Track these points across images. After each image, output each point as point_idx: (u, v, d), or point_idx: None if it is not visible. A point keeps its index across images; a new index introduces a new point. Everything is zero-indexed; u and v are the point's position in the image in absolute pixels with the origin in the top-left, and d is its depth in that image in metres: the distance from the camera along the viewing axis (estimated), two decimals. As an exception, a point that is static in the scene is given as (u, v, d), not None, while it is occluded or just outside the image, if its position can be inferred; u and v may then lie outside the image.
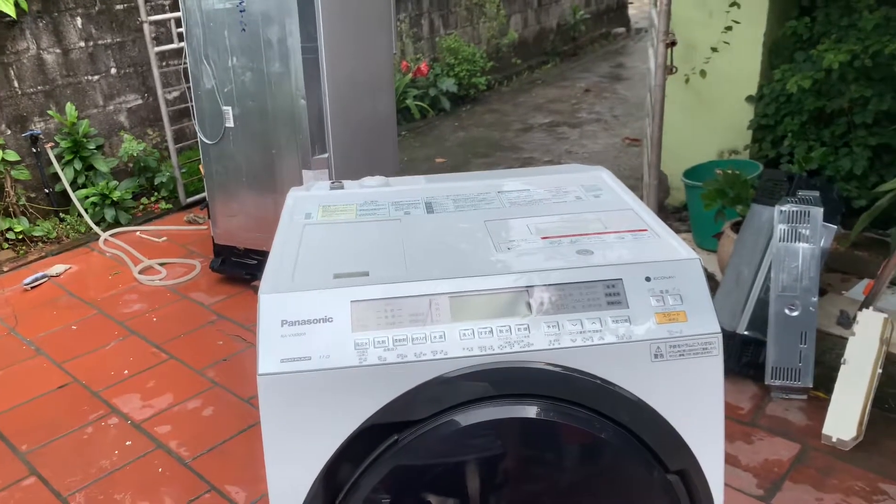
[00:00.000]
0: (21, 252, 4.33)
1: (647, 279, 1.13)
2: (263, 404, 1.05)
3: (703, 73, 3.58)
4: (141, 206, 4.90)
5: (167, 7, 4.96)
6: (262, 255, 3.73)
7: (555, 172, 1.63)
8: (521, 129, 6.83)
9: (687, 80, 3.73)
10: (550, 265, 1.16)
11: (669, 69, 2.86)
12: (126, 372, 3.15)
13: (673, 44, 2.68)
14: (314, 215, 1.42)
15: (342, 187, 1.59)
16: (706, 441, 1.14)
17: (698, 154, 3.88)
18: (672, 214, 4.24)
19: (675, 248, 1.20)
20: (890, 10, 3.19)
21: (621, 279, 1.13)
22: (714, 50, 3.54)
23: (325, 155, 3.44)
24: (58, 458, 2.63)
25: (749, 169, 3.49)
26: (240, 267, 3.80)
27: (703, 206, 3.11)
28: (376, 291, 1.11)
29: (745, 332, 2.83)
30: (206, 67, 3.47)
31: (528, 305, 1.11)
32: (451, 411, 1.06)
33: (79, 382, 3.09)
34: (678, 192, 4.19)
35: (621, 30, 12.17)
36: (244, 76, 3.41)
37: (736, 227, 3.09)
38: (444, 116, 7.31)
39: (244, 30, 3.32)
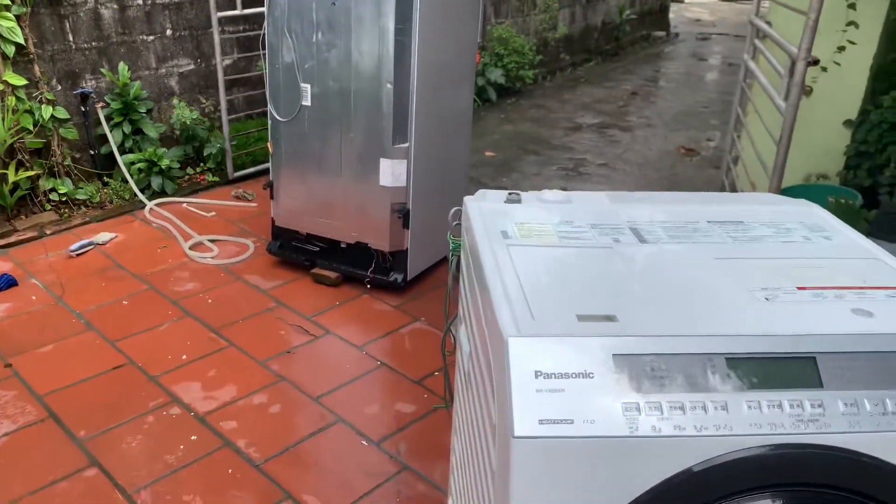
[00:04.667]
0: (64, 215, 4.14)
1: (953, 355, 0.96)
2: (517, 472, 0.88)
3: (809, 92, 3.40)
4: (186, 176, 4.71)
5: (230, -29, 4.73)
6: (325, 242, 3.55)
7: (756, 202, 1.46)
8: (569, 127, 6.64)
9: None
10: (835, 327, 0.99)
11: (804, 90, 2.67)
12: (184, 357, 2.97)
13: (815, 62, 2.50)
14: (512, 234, 1.24)
15: (520, 199, 1.42)
16: None
17: (785, 176, 3.70)
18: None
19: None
20: None
21: (922, 353, 0.96)
22: (824, 69, 3.36)
23: (406, 145, 3.26)
24: (119, 449, 2.46)
25: (847, 196, 3.32)
26: (300, 252, 3.62)
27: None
28: (639, 345, 0.93)
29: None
30: (287, 40, 3.26)
31: (819, 376, 0.94)
32: (739, 498, 0.89)
33: (134, 364, 2.91)
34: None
35: (661, 33, 11.97)
36: (328, 53, 3.21)
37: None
38: (489, 107, 7.11)
39: (334, 3, 3.12)
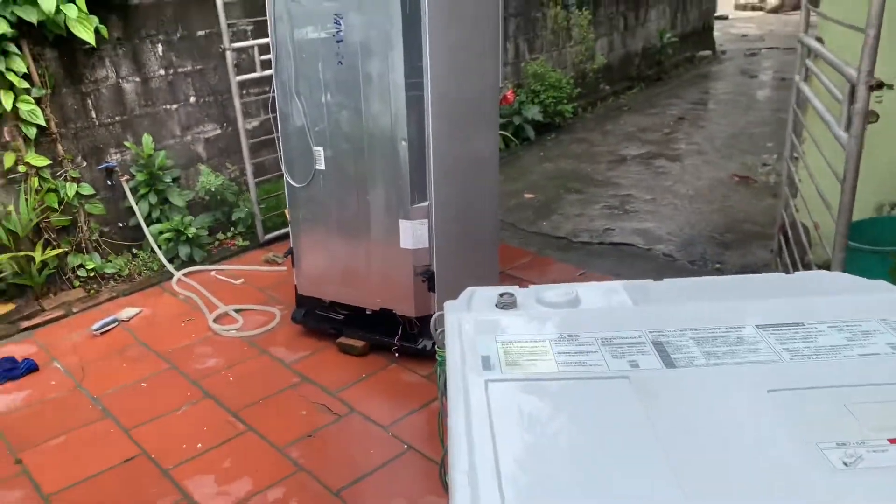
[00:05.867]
0: (92, 292, 4.07)
1: None
2: None
3: (875, 116, 3.02)
4: (216, 242, 4.60)
5: (250, 34, 4.67)
6: (349, 309, 3.35)
7: (819, 291, 1.15)
8: (613, 160, 6.33)
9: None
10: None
11: (868, 117, 2.34)
12: (199, 445, 2.79)
13: (879, 86, 2.18)
14: (495, 361, 0.98)
15: (514, 303, 1.16)
16: None
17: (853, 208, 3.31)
18: (813, 273, 3.66)
19: None
20: None
21: None
22: (889, 87, 2.98)
23: (426, 203, 3.03)
24: (122, 561, 2.27)
25: (928, 231, 2.92)
26: (325, 321, 3.42)
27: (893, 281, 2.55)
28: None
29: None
30: (296, 104, 3.11)
31: None
32: None
33: (147, 455, 2.74)
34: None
35: (707, 52, 11.56)
36: (339, 114, 3.03)
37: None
38: (527, 146, 6.87)
39: (341, 63, 2.96)
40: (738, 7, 16.58)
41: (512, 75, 7.12)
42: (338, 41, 2.95)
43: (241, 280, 4.15)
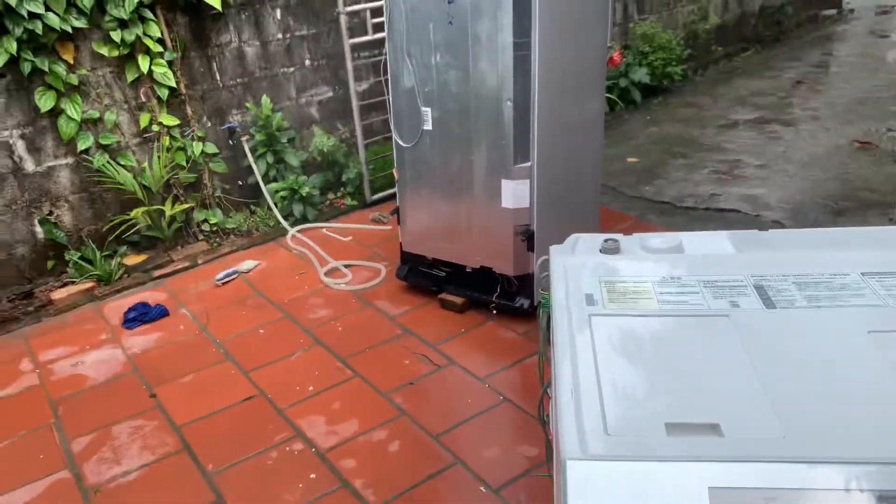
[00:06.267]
0: (214, 245, 4.39)
1: None
2: None
3: None
4: (327, 201, 4.83)
5: (362, -3, 4.80)
6: (450, 267, 3.46)
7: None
8: (723, 125, 6.09)
9: None
10: None
11: None
12: (311, 388, 3.00)
13: None
14: (599, 298, 1.04)
15: (618, 248, 1.20)
16: None
17: None
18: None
19: None
20: None
21: None
22: None
23: (529, 163, 3.08)
24: (242, 485, 2.51)
25: None
26: (426, 278, 3.56)
27: None
28: (748, 474, 0.71)
29: None
30: (406, 65, 3.21)
31: None
32: None
33: (264, 395, 2.98)
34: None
35: (832, 12, 10.77)
36: (447, 75, 3.11)
37: None
38: (633, 110, 6.71)
39: (451, 23, 3.02)
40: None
41: (619, 36, 6.94)
42: (449, 2, 3.01)
43: (350, 237, 4.36)
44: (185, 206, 4.33)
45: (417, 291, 3.64)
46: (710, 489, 0.70)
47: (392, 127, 3.42)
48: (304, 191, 4.52)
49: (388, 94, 3.40)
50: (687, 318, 0.97)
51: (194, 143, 4.34)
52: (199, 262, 4.22)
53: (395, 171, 3.51)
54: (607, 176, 5.12)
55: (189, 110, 4.33)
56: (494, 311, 3.36)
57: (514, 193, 3.11)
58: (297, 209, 4.56)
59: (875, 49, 8.39)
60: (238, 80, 4.54)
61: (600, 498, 0.71)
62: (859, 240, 1.16)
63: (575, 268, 1.13)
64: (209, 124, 4.48)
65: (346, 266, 3.99)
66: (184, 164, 4.32)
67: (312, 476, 2.51)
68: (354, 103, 4.56)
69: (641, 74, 6.67)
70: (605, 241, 1.22)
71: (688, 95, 7.07)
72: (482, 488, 2.38)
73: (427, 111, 3.22)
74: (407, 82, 3.24)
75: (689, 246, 1.19)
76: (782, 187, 4.72)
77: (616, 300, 1.03)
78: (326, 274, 3.93)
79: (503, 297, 3.30)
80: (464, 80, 3.07)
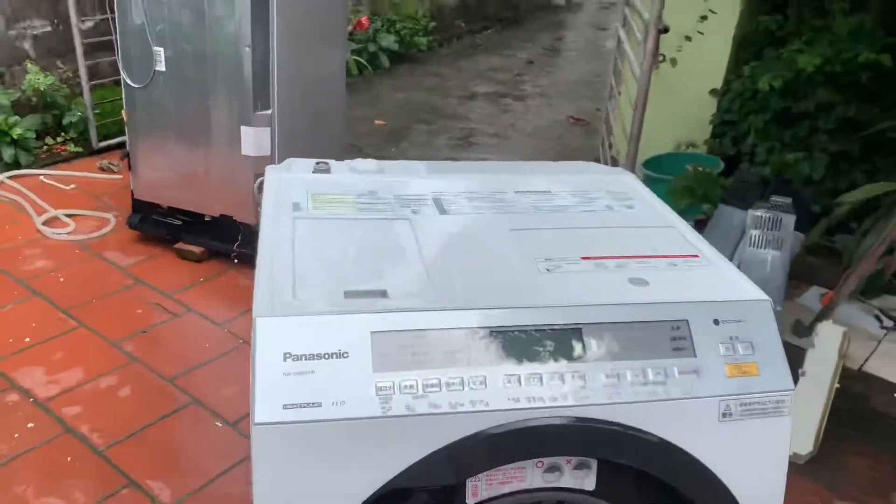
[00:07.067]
0: None
1: (716, 322, 0.97)
2: (258, 460, 0.82)
3: (673, 62, 3.46)
4: (45, 147, 4.37)
5: (86, -78, 4.37)
6: (188, 215, 3.37)
7: (571, 171, 1.44)
8: (463, 96, 6.60)
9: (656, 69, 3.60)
10: (605, 298, 0.97)
11: (657, 57, 2.71)
12: (27, 340, 2.76)
13: (665, 30, 2.53)
14: (304, 205, 1.17)
15: (329, 169, 1.35)
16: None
17: (656, 144, 3.78)
18: (621, 202, 4.16)
19: (740, 284, 1.04)
20: (863, 16, 3.16)
21: (687, 320, 0.97)
22: (687, 38, 3.43)
23: (269, 111, 3.11)
24: (-58, 442, 2.26)
25: (710, 164, 3.43)
26: (162, 226, 3.43)
27: (672, 202, 3.01)
28: (402, 321, 0.89)
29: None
30: (136, 0, 3.04)
31: (583, 347, 0.93)
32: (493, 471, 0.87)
33: (-31, 350, 2.69)
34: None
35: (561, 1, 12.08)
36: (180, 14, 3.00)
37: (699, 225, 3.02)
38: (382, 74, 6.96)
39: (185, -40, 2.92)
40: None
41: (368, 2, 7.13)
42: (181, -62, 2.90)
43: (73, 186, 4.01)
44: None
45: (152, 241, 3.49)
46: (371, 333, 0.87)
47: (120, 65, 3.22)
48: (16, 132, 4.05)
49: (114, 30, 3.19)
50: (376, 220, 1.14)
51: None
52: None
53: (124, 114, 3.31)
54: (355, 136, 5.30)
55: None
56: (236, 260, 3.35)
57: (255, 140, 3.12)
58: (8, 153, 4.07)
59: (595, 38, 9.61)
60: (-72, -1, 3.89)
61: (285, 346, 0.84)
62: (521, 169, 1.43)
63: (287, 182, 1.25)
64: None
65: (68, 216, 3.68)
66: None
67: (30, 425, 2.34)
68: (77, 40, 4.16)
69: (390, 41, 6.93)
70: (318, 163, 1.35)
71: (434, 66, 7.50)
72: (218, 423, 2.42)
73: (160, 51, 3.08)
74: (136, 19, 3.07)
75: (391, 169, 1.36)
76: (510, 153, 5.28)
77: (320, 207, 1.17)
78: (45, 223, 3.59)
79: (244, 245, 3.30)
80: (199, 22, 2.98)
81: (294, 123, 3.22)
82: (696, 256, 1.12)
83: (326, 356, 0.85)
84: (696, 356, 0.95)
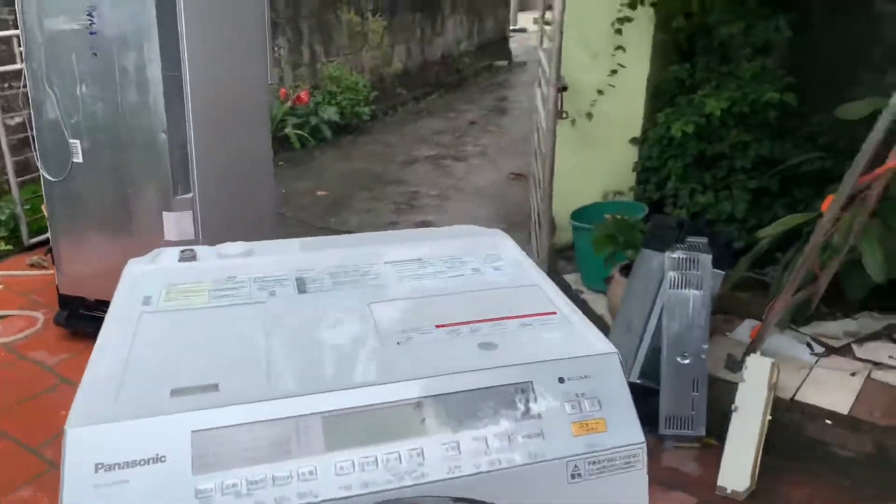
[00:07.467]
0: None
1: (561, 380, 0.95)
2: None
3: (589, 116, 3.56)
4: (-26, 248, 4.29)
5: (11, 23, 4.42)
6: (117, 306, 3.30)
7: (451, 236, 1.44)
8: (405, 161, 6.69)
9: (574, 123, 3.69)
10: (450, 366, 0.95)
11: (560, 114, 2.78)
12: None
13: (564, 89, 2.60)
14: (155, 299, 1.14)
15: (194, 257, 1.32)
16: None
17: (585, 195, 3.85)
18: (559, 254, 4.19)
19: (588, 339, 1.03)
20: (765, 60, 3.29)
21: (531, 382, 0.95)
22: (600, 93, 3.53)
23: (190, 195, 3.10)
24: None
25: (635, 210, 3.48)
26: (89, 321, 3.34)
27: (595, 251, 3.04)
28: (226, 415, 0.86)
29: (638, 381, 2.75)
30: (49, 95, 3.04)
31: (423, 422, 0.90)
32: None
33: None
34: (565, 231, 4.14)
35: (503, 62, 12.44)
36: (95, 106, 3.01)
37: (625, 269, 3.04)
38: (325, 146, 7.04)
39: (95, 54, 2.94)
40: (536, 22, 17.88)
41: (309, 77, 7.25)
42: (91, 33, 2.93)
43: (1, 286, 3.92)
44: None
45: (81, 337, 3.40)
46: (192, 432, 0.83)
47: (38, 160, 3.20)
48: (-57, 236, 3.97)
49: (29, 126, 3.18)
50: (228, 308, 1.11)
51: None
52: None
53: (43, 208, 3.27)
54: (296, 209, 5.31)
55: None
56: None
57: (177, 225, 3.10)
58: (-65, 257, 3.98)
59: (536, 97, 9.86)
60: None
61: (96, 457, 0.80)
62: (398, 239, 1.42)
63: (145, 275, 1.22)
64: None
65: (-5, 317, 3.58)
66: None
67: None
68: (2, 137, 4.14)
69: (331, 113, 7.03)
70: (182, 251, 1.33)
71: (377, 134, 7.61)
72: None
73: (76, 143, 3.07)
74: (51, 113, 3.07)
75: (260, 250, 1.34)
76: (451, 213, 5.32)
77: (173, 299, 1.14)
78: (-31, 327, 3.49)
79: (175, 331, 3.23)
80: (113, 112, 2.99)
81: (218, 204, 3.20)
82: (553, 314, 1.11)
83: (142, 462, 0.81)
84: (541, 418, 0.92)
